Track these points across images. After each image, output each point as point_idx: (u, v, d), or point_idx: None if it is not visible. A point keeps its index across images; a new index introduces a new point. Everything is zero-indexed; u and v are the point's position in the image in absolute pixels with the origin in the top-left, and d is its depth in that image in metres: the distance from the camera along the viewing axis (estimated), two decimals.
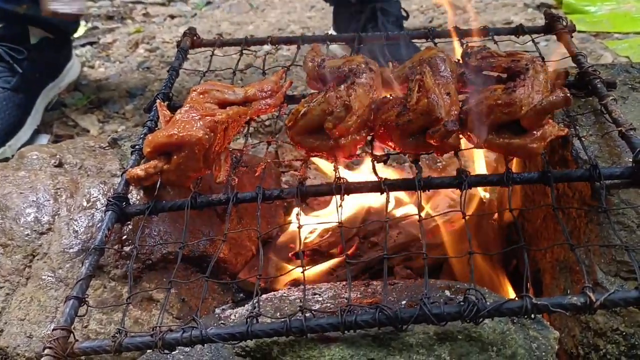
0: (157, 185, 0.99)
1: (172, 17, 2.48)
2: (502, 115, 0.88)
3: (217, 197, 0.94)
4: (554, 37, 1.24)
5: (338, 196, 0.90)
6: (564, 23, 1.24)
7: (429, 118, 0.90)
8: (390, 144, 0.96)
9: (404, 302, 0.83)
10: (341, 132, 0.91)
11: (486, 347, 0.78)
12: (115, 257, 1.05)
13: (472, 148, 0.96)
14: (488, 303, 0.73)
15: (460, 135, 0.94)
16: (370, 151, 0.97)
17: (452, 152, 0.93)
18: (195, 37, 1.35)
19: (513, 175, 0.89)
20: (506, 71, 0.98)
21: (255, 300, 0.79)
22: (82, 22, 2.42)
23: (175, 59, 1.28)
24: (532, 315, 0.73)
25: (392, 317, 0.73)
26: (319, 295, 0.88)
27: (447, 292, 0.84)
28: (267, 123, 1.70)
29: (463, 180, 0.89)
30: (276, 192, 0.93)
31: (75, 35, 2.28)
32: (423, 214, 0.87)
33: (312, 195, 0.93)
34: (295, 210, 0.98)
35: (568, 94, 0.82)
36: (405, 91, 0.97)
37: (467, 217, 0.85)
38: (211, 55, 1.32)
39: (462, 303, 0.73)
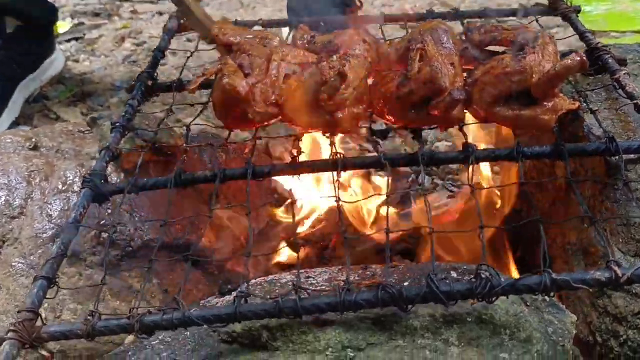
0: (138, 164, 0.92)
1: (161, 13, 2.41)
2: (511, 84, 0.82)
3: (203, 173, 0.86)
4: (550, 30, 1.19)
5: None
6: (568, 3, 1.18)
7: (431, 87, 0.83)
8: (389, 117, 0.89)
9: (406, 284, 0.76)
10: (337, 105, 0.85)
11: (498, 331, 0.71)
12: (92, 243, 0.98)
13: (478, 122, 0.90)
14: (502, 279, 0.66)
15: (465, 110, 0.88)
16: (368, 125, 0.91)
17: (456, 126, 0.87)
18: (182, 20, 1.28)
19: (523, 149, 0.82)
20: (512, 45, 0.92)
21: (243, 280, 0.71)
22: (68, 19, 2.35)
23: (160, 40, 1.21)
24: (549, 295, 0.67)
25: (397, 296, 0.66)
26: (313, 278, 0.80)
27: (454, 274, 0.77)
28: None
29: (469, 154, 0.82)
30: (267, 167, 0.86)
31: (60, 30, 2.21)
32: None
33: (307, 171, 0.85)
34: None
35: (584, 57, 0.76)
36: (405, 66, 0.91)
37: (475, 191, 0.78)
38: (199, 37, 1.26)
39: (473, 280, 0.66)
